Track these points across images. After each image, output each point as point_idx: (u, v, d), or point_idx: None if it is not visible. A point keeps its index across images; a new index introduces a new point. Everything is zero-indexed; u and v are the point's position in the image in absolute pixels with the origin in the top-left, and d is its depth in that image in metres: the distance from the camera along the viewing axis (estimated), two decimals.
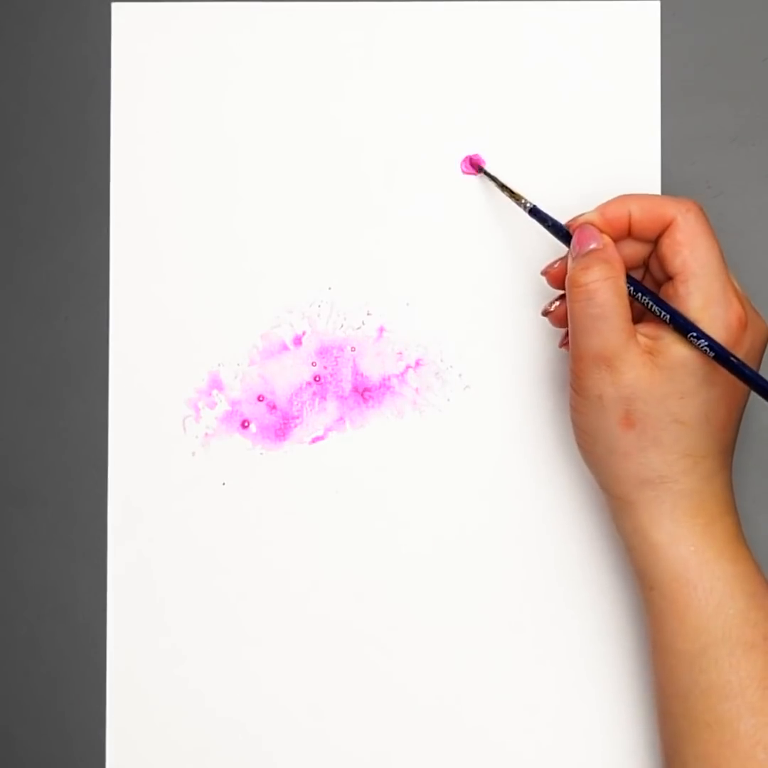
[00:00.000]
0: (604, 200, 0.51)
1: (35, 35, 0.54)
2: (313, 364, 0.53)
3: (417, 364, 0.52)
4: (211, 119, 0.53)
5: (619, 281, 0.45)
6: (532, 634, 0.52)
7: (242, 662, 0.52)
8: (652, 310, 0.45)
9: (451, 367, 0.52)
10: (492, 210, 0.52)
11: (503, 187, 0.51)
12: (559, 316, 0.48)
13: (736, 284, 0.45)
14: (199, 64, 0.53)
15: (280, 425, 0.53)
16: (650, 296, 0.45)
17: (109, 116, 0.53)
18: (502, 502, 0.52)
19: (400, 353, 0.53)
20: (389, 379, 0.53)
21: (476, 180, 0.53)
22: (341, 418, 0.52)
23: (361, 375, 0.53)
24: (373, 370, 0.53)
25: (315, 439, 0.53)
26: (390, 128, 0.53)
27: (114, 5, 0.53)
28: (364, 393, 0.52)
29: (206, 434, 0.53)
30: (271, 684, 0.52)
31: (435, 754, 0.52)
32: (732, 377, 0.44)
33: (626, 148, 0.52)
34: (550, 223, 0.48)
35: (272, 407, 0.53)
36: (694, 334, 0.43)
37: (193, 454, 0.53)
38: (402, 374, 0.53)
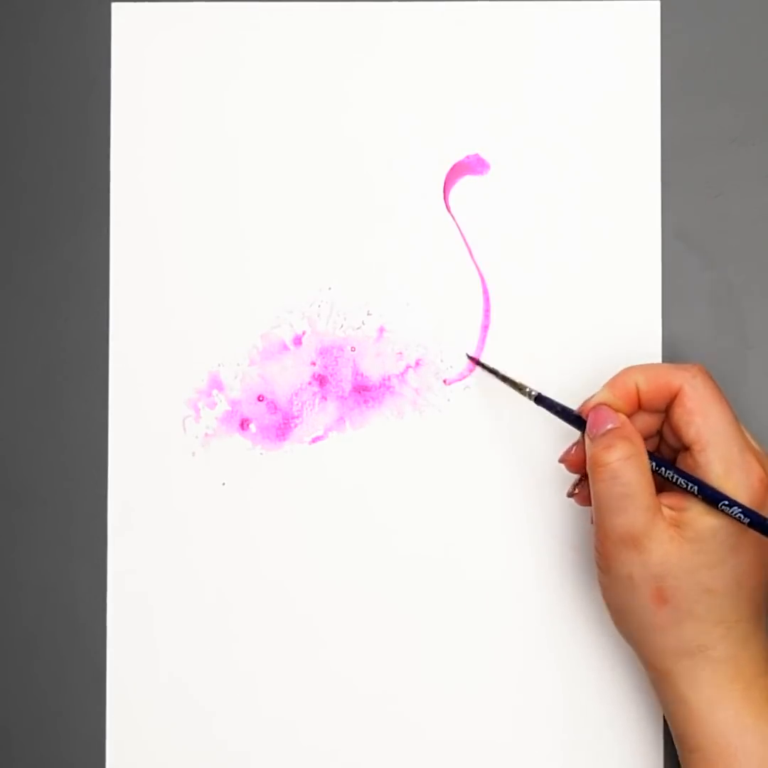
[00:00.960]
0: (604, 199, 0.51)
1: (35, 35, 0.54)
2: (313, 364, 0.53)
3: (417, 364, 0.52)
4: (211, 119, 0.53)
5: (642, 458, 0.45)
6: (531, 634, 0.52)
7: (242, 662, 0.52)
8: (678, 483, 0.45)
9: (451, 367, 0.52)
10: (493, 209, 0.52)
11: (505, 379, 0.50)
12: (585, 497, 0.48)
13: (753, 442, 0.45)
14: (199, 64, 0.53)
15: (280, 425, 0.53)
16: (674, 470, 0.45)
17: (109, 116, 0.53)
18: (502, 501, 0.52)
19: (400, 353, 0.53)
20: (389, 379, 0.53)
21: (476, 180, 0.53)
22: (341, 418, 0.52)
23: (361, 375, 0.53)
24: (373, 370, 0.53)
25: (315, 439, 0.53)
26: (390, 128, 0.53)
27: (114, 5, 0.53)
28: (364, 393, 0.52)
29: (206, 434, 0.53)
30: (271, 684, 0.52)
31: (434, 754, 0.52)
32: (759, 540, 0.44)
33: (626, 147, 0.52)
34: (559, 410, 0.48)
35: (272, 407, 0.53)
36: (726, 502, 0.43)
37: (193, 454, 0.53)
38: (402, 374, 0.53)
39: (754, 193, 0.52)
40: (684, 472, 0.45)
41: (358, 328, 0.53)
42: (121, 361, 0.53)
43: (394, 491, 0.52)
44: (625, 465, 0.44)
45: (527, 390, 0.49)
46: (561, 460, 0.48)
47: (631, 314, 0.52)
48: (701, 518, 0.44)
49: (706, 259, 0.52)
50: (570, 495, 0.49)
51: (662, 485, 0.45)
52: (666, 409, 0.46)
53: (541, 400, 0.48)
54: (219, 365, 0.53)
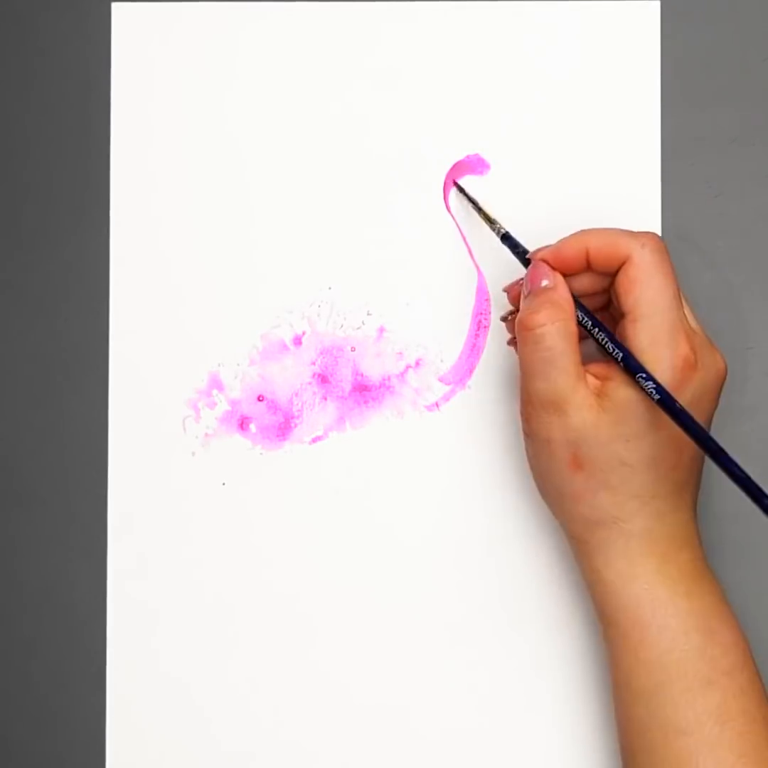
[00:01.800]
0: (604, 199, 0.51)
1: (35, 35, 0.54)
2: (313, 363, 0.53)
3: (417, 364, 0.52)
4: (211, 119, 0.53)
5: (569, 324, 0.45)
6: (531, 634, 0.52)
7: (242, 662, 0.52)
8: (606, 346, 0.45)
9: (451, 367, 0.52)
10: (493, 210, 0.52)
11: (479, 209, 0.51)
12: (513, 327, 0.48)
13: (691, 322, 0.45)
14: (199, 64, 0.53)
15: (280, 425, 0.53)
16: (605, 333, 0.45)
17: (109, 116, 0.53)
18: (501, 501, 0.52)
19: (400, 353, 0.53)
20: (389, 379, 0.53)
21: (476, 180, 0.52)
22: (341, 418, 0.52)
23: (361, 375, 0.53)
24: (373, 370, 0.53)
25: (315, 439, 0.53)
26: (390, 128, 0.53)
27: (114, 5, 0.53)
28: (364, 393, 0.52)
29: (206, 434, 0.53)
30: (271, 684, 0.52)
31: (433, 753, 0.52)
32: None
33: (626, 148, 0.52)
34: (520, 250, 0.48)
35: (272, 407, 0.53)
36: (643, 375, 0.43)
37: (193, 454, 0.53)
38: (402, 374, 0.53)
39: (754, 193, 0.52)
40: (613, 338, 0.45)
41: (358, 328, 0.53)
42: (121, 361, 0.53)
43: (393, 491, 0.52)
44: (550, 330, 0.44)
45: (497, 226, 0.49)
46: (505, 289, 0.49)
47: None
48: (621, 389, 0.44)
49: (706, 259, 0.52)
50: (503, 319, 0.50)
51: (594, 355, 0.46)
52: (613, 274, 0.46)
53: (506, 238, 0.49)
54: (219, 365, 0.53)
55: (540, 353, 0.44)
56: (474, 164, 0.53)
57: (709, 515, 0.50)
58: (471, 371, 0.52)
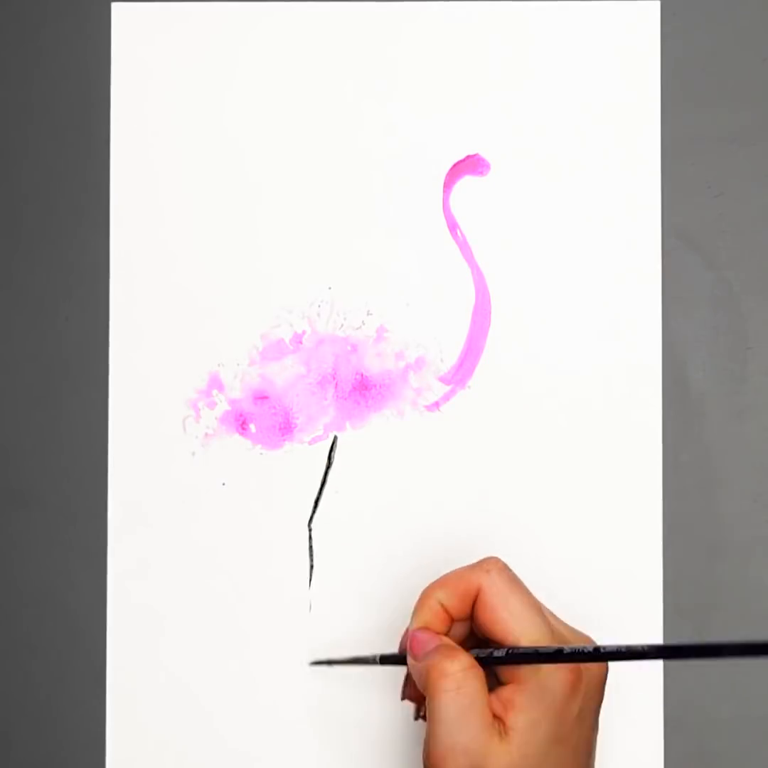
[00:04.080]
0: (604, 200, 0.51)
1: (35, 35, 0.54)
2: (313, 363, 0.53)
3: (417, 364, 0.52)
4: (211, 119, 0.53)
5: (479, 670, 0.42)
6: None
7: (242, 662, 0.52)
8: (513, 660, 0.42)
9: (451, 367, 0.52)
10: (493, 209, 0.52)
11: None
12: (418, 697, 0.46)
13: (552, 621, 0.44)
14: (199, 64, 0.53)
15: (280, 425, 0.53)
16: (506, 654, 0.43)
17: (109, 116, 0.53)
18: (501, 501, 0.52)
19: (400, 353, 0.53)
20: (389, 379, 0.53)
21: (476, 180, 0.53)
22: (341, 418, 0.52)
23: (361, 375, 0.53)
24: (373, 370, 0.53)
25: (315, 439, 0.53)
26: (391, 128, 0.53)
27: (114, 5, 0.53)
28: (364, 393, 0.52)
29: (206, 434, 0.53)
30: (272, 684, 0.52)
31: None
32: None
33: (626, 148, 0.52)
34: (397, 661, 0.47)
35: (272, 407, 0.53)
36: (579, 649, 0.41)
37: (193, 454, 0.53)
38: (402, 374, 0.53)
39: (754, 193, 0.52)
40: (516, 652, 0.43)
41: (358, 328, 0.53)
42: (121, 361, 0.53)
43: (394, 491, 0.52)
44: (469, 675, 0.42)
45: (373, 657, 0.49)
46: (403, 698, 0.47)
47: (631, 314, 0.52)
48: (522, 718, 0.42)
49: (706, 259, 0.52)
50: (402, 698, 0.48)
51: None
52: (471, 612, 0.44)
53: (384, 659, 0.48)
54: (219, 365, 0.53)
55: (460, 699, 0.41)
56: (474, 164, 0.53)
57: (710, 515, 0.50)
58: (471, 371, 0.52)
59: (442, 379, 0.52)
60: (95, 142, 0.53)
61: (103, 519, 0.53)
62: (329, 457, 0.52)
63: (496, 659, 0.43)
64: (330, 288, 0.53)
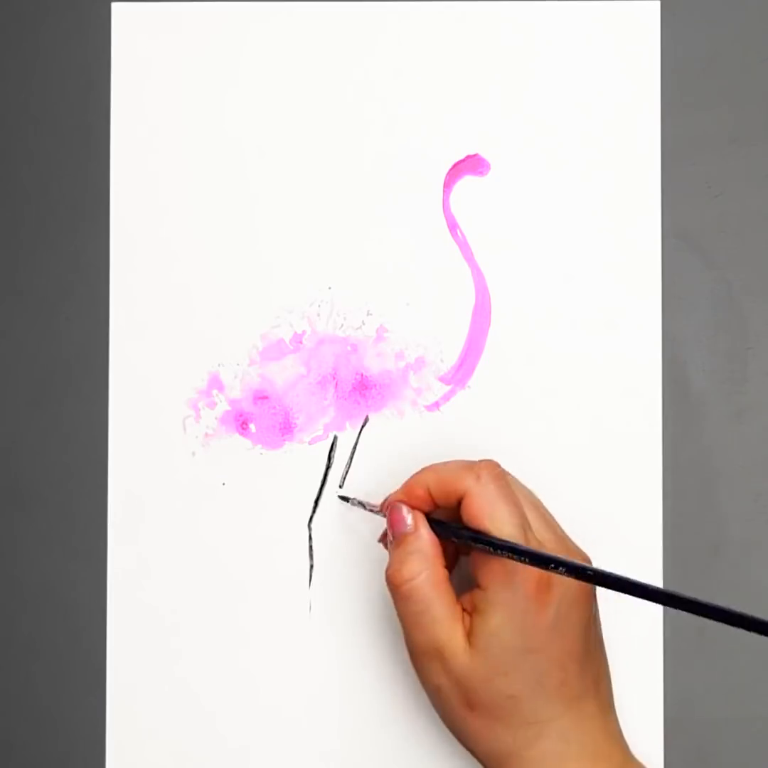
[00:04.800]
0: (604, 200, 0.51)
1: (35, 35, 0.54)
2: (313, 363, 0.53)
3: (417, 364, 0.52)
4: (211, 119, 0.53)
5: (436, 570, 0.45)
6: None
7: (242, 662, 0.52)
8: (478, 545, 0.44)
9: (451, 366, 0.52)
10: (493, 209, 0.52)
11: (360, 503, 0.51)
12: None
13: (544, 534, 0.45)
14: (198, 63, 0.53)
15: (280, 425, 0.53)
16: (485, 543, 0.44)
17: (109, 116, 0.53)
18: None
19: (400, 353, 0.53)
20: (389, 379, 0.52)
21: (476, 180, 0.53)
22: (341, 418, 0.52)
23: (361, 375, 0.53)
24: (373, 370, 0.53)
25: (315, 439, 0.53)
26: (391, 128, 0.53)
27: (114, 5, 0.53)
28: (364, 393, 0.52)
29: (206, 434, 0.53)
30: (271, 684, 0.52)
31: (433, 756, 0.52)
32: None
33: (626, 148, 0.52)
34: (367, 508, 0.49)
35: (272, 407, 0.53)
36: (552, 565, 0.42)
37: (193, 454, 0.53)
38: (402, 374, 0.53)
39: (754, 193, 0.52)
40: (478, 536, 0.44)
41: (358, 328, 0.53)
42: (121, 361, 0.53)
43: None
44: (418, 584, 0.44)
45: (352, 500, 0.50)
46: (379, 541, 0.49)
47: (631, 314, 0.52)
48: (486, 623, 0.43)
49: (706, 259, 0.52)
50: (380, 541, 0.50)
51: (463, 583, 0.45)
52: (457, 508, 0.45)
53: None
54: (219, 365, 0.53)
55: (412, 606, 0.44)
56: (474, 164, 0.53)
57: (710, 515, 0.50)
58: (471, 371, 0.52)
59: (442, 379, 0.52)
60: (95, 142, 0.53)
61: (103, 519, 0.53)
62: (329, 457, 0.52)
63: (456, 533, 0.44)
64: (330, 288, 0.53)
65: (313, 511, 0.52)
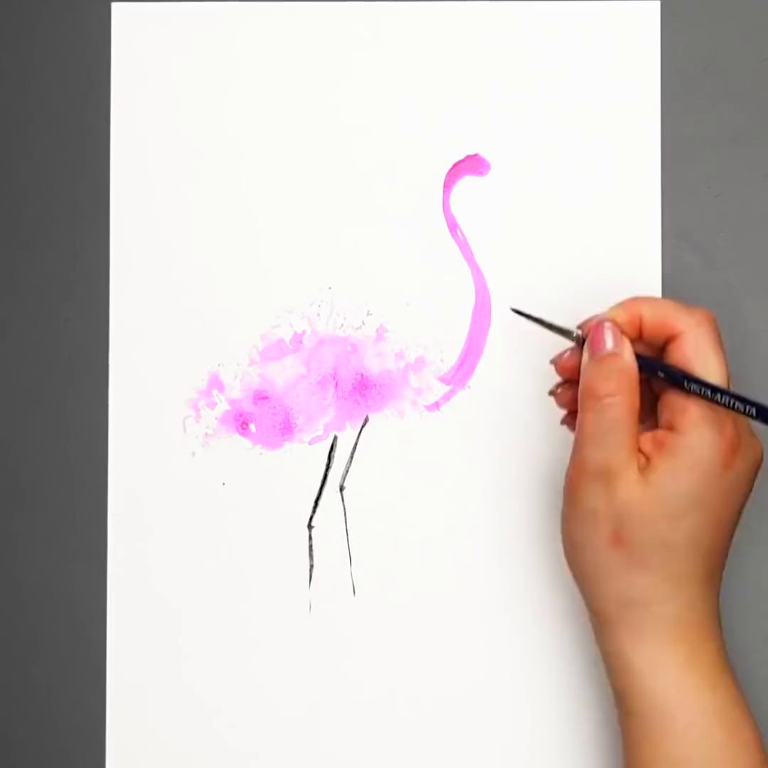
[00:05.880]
0: (603, 203, 0.51)
1: (35, 35, 0.54)
2: (313, 363, 0.53)
3: (417, 363, 0.52)
4: (210, 119, 0.53)
5: (635, 397, 0.44)
6: (531, 634, 0.52)
7: (242, 662, 0.52)
8: (670, 377, 0.44)
9: (451, 367, 0.52)
10: (493, 209, 0.52)
11: (548, 325, 0.48)
12: (566, 400, 0.47)
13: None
14: (198, 63, 0.53)
15: (280, 425, 0.53)
16: (664, 367, 0.44)
17: (109, 116, 0.53)
18: (501, 501, 0.52)
19: (400, 353, 0.53)
20: (389, 379, 0.52)
21: (476, 180, 0.52)
22: (341, 418, 0.52)
23: (362, 375, 0.53)
24: (373, 370, 0.53)
25: (315, 439, 0.53)
26: (391, 128, 0.53)
27: (114, 5, 0.53)
28: (364, 393, 0.52)
29: (206, 434, 0.53)
30: (272, 684, 0.52)
31: (433, 755, 0.52)
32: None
33: (626, 147, 0.52)
34: (545, 325, 0.47)
35: (272, 407, 0.53)
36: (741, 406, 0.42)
37: (193, 454, 0.53)
38: (402, 374, 0.53)
39: (754, 193, 0.52)
40: (670, 367, 0.44)
41: (358, 328, 0.53)
42: (122, 361, 0.53)
43: (394, 491, 0.52)
44: (618, 401, 0.43)
45: (573, 333, 0.47)
46: (552, 362, 0.47)
47: None
48: (668, 464, 0.43)
49: (706, 259, 0.52)
50: (551, 393, 0.48)
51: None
52: (664, 346, 0.45)
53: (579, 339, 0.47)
54: (219, 365, 0.53)
55: (604, 423, 0.43)
56: (474, 164, 0.53)
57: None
58: (471, 371, 0.52)
59: (442, 379, 0.52)
60: (95, 142, 0.53)
61: (103, 519, 0.53)
62: (329, 457, 0.52)
63: (659, 368, 0.44)
64: (330, 288, 0.53)
65: (313, 511, 0.52)
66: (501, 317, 0.52)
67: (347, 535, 0.52)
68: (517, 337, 0.52)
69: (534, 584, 0.52)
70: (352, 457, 0.52)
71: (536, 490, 0.52)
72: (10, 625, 0.53)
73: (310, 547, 0.52)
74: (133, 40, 0.53)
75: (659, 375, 0.44)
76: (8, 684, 0.53)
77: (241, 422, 0.53)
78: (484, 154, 0.52)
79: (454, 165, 0.53)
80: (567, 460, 0.52)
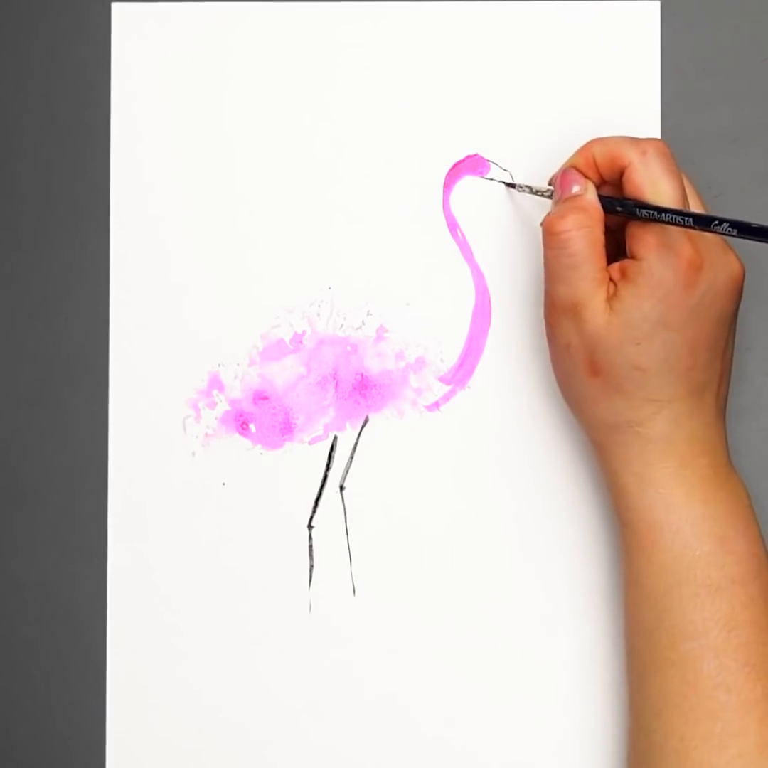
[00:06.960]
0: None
1: (35, 35, 0.54)
2: (313, 363, 0.53)
3: (417, 364, 0.52)
4: (210, 119, 0.53)
5: (595, 231, 0.45)
6: (534, 631, 0.52)
7: (242, 662, 0.52)
8: (632, 212, 0.45)
9: (451, 366, 0.52)
10: (493, 209, 0.52)
11: (519, 186, 0.51)
12: None
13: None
14: (198, 64, 0.53)
15: (280, 425, 0.53)
16: (627, 202, 0.45)
17: (109, 116, 0.53)
18: (502, 501, 0.52)
19: (400, 353, 0.53)
20: (389, 379, 0.53)
21: (476, 180, 0.53)
22: (341, 418, 0.52)
23: (361, 375, 0.53)
24: (373, 370, 0.53)
25: (315, 439, 0.53)
26: (390, 128, 0.53)
27: (114, 5, 0.53)
28: (364, 393, 0.52)
29: (206, 434, 0.53)
30: (272, 684, 0.52)
31: (433, 756, 0.52)
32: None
33: None
34: (534, 191, 0.50)
35: (272, 407, 0.53)
36: (716, 222, 0.43)
37: (193, 454, 0.53)
38: (402, 374, 0.53)
39: (754, 193, 0.52)
40: (622, 200, 0.45)
41: (358, 328, 0.53)
42: (122, 361, 0.53)
43: (394, 491, 0.52)
44: (575, 236, 0.45)
45: (543, 190, 0.50)
46: (541, 224, 0.48)
47: None
48: (629, 289, 0.44)
49: None
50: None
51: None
52: (619, 182, 0.46)
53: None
54: (219, 365, 0.53)
55: (564, 259, 0.45)
56: (474, 164, 0.53)
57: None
58: (471, 371, 0.52)
59: (442, 379, 0.52)
60: (95, 142, 0.53)
61: (103, 519, 0.53)
62: (329, 457, 0.52)
63: (617, 203, 0.45)
64: (330, 288, 0.53)
65: (313, 511, 0.52)
66: (501, 317, 0.52)
67: (347, 535, 0.52)
68: (517, 337, 0.52)
69: (534, 584, 0.52)
70: (352, 457, 0.52)
71: (536, 489, 0.52)
72: (10, 625, 0.53)
73: (310, 547, 0.52)
74: (132, 40, 0.53)
75: (617, 209, 0.45)
76: (8, 684, 0.53)
77: (241, 422, 0.53)
78: (484, 154, 0.53)
79: (454, 165, 0.53)
80: (567, 461, 0.52)
